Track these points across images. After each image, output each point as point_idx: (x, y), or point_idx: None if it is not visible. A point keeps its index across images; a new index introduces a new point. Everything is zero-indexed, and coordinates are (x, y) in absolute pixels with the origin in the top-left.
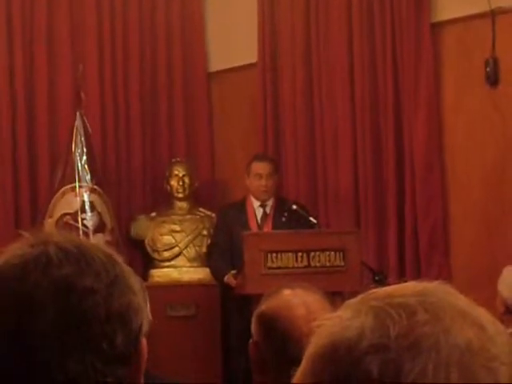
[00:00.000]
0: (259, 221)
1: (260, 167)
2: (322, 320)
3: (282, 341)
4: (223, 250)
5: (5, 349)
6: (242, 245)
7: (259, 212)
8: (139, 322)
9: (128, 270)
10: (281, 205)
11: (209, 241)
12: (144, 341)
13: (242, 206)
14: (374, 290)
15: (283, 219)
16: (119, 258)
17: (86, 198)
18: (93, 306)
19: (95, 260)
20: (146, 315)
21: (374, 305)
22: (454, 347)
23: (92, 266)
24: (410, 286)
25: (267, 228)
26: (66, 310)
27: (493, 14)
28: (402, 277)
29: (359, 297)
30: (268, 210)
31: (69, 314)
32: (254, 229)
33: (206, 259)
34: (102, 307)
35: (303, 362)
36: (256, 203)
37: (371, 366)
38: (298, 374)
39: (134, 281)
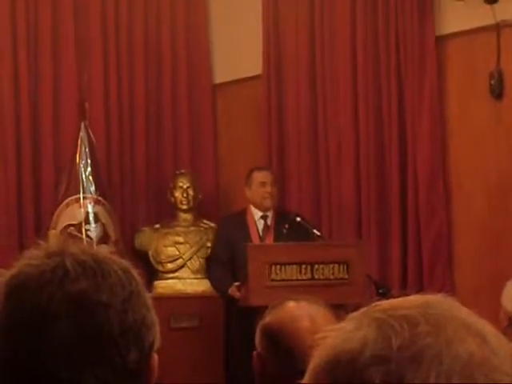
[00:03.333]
0: (261, 233)
1: (262, 175)
2: (325, 332)
3: (286, 353)
4: (223, 261)
5: (19, 357)
6: (244, 256)
7: (260, 224)
8: (152, 338)
9: (142, 285)
10: (281, 217)
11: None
12: (155, 356)
13: (242, 218)
14: (378, 303)
15: (284, 231)
16: (135, 272)
17: (90, 209)
18: (107, 321)
19: (112, 274)
20: (158, 331)
21: (376, 317)
22: (455, 359)
23: (108, 281)
24: (413, 299)
25: (269, 240)
26: (80, 324)
27: (497, 28)
28: (405, 289)
29: (363, 309)
30: (269, 221)
31: (83, 328)
32: (256, 241)
33: (206, 271)
34: (116, 322)
35: (307, 374)
36: (257, 215)
37: (373, 377)
38: None
39: (148, 296)
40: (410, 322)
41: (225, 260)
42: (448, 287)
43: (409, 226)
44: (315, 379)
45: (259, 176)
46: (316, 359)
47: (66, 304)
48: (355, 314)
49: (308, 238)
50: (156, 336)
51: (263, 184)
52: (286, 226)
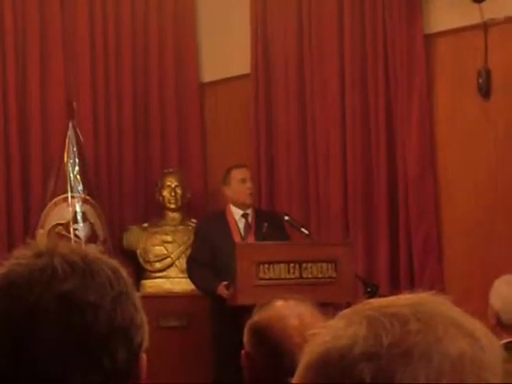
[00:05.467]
0: (242, 232)
1: (242, 172)
2: (316, 329)
3: (275, 351)
4: (205, 262)
5: (7, 357)
6: (227, 256)
7: (241, 223)
8: (140, 338)
9: (132, 285)
10: (260, 215)
11: None
12: (144, 356)
13: (222, 218)
14: (369, 301)
15: (263, 230)
16: (124, 272)
17: (78, 208)
18: (95, 321)
19: (100, 274)
20: (146, 331)
21: (367, 314)
22: (445, 356)
23: (97, 281)
24: (404, 297)
25: (251, 239)
26: (68, 324)
27: (485, 26)
28: (395, 288)
29: (354, 307)
30: (250, 220)
31: (71, 328)
32: (238, 240)
33: (188, 271)
34: (104, 322)
35: (298, 371)
36: (237, 214)
37: (364, 373)
38: (293, 382)
39: (137, 296)
40: (401, 320)
41: (206, 261)
42: (438, 285)
43: (399, 226)
44: (306, 376)
45: (239, 173)
46: (307, 356)
47: (54, 304)
48: (346, 311)
49: (285, 237)
50: (144, 336)
51: (243, 180)
52: (265, 224)
